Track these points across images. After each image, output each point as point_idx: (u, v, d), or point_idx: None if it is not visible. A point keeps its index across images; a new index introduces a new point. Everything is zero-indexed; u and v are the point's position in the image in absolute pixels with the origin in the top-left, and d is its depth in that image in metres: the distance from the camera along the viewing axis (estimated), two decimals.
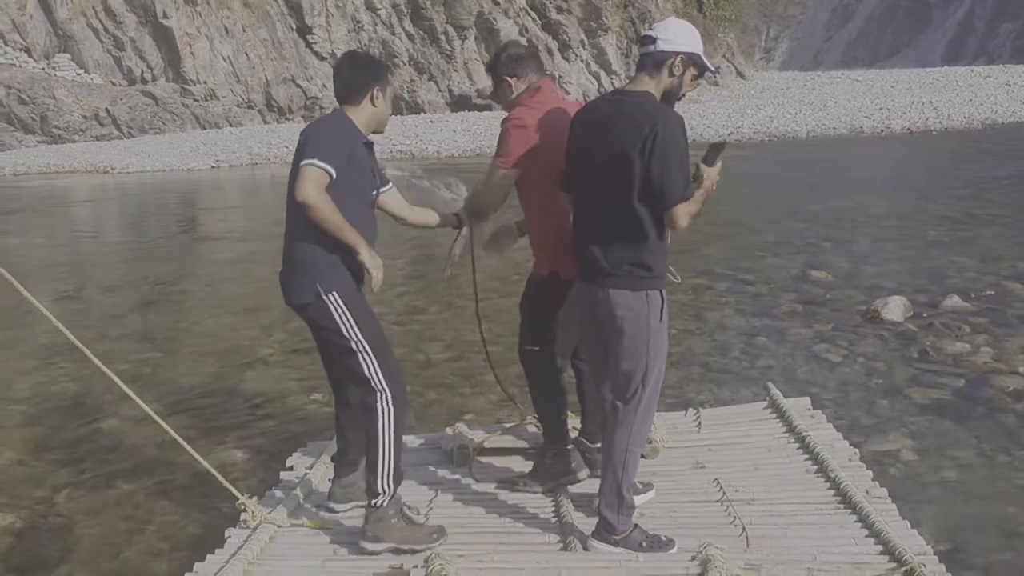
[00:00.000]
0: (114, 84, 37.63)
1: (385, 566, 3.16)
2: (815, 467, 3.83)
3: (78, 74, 37.12)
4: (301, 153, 3.24)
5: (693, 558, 2.96)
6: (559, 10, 43.37)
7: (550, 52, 42.65)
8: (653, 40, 3.13)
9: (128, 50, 37.77)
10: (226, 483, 3.58)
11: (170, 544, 4.10)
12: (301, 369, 6.70)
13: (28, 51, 37.11)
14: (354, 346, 3.37)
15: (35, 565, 3.96)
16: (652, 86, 3.16)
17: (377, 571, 3.13)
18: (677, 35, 3.15)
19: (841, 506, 3.49)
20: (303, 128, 3.42)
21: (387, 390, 3.40)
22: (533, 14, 43.18)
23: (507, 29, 41.79)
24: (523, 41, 3.78)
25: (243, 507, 3.53)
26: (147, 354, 7.37)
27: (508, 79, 3.70)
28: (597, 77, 44.19)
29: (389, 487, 3.37)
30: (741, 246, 11.08)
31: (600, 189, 3.16)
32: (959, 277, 8.72)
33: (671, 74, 3.16)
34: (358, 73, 3.48)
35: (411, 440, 4.60)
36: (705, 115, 35.52)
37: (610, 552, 3.20)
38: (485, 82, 39.61)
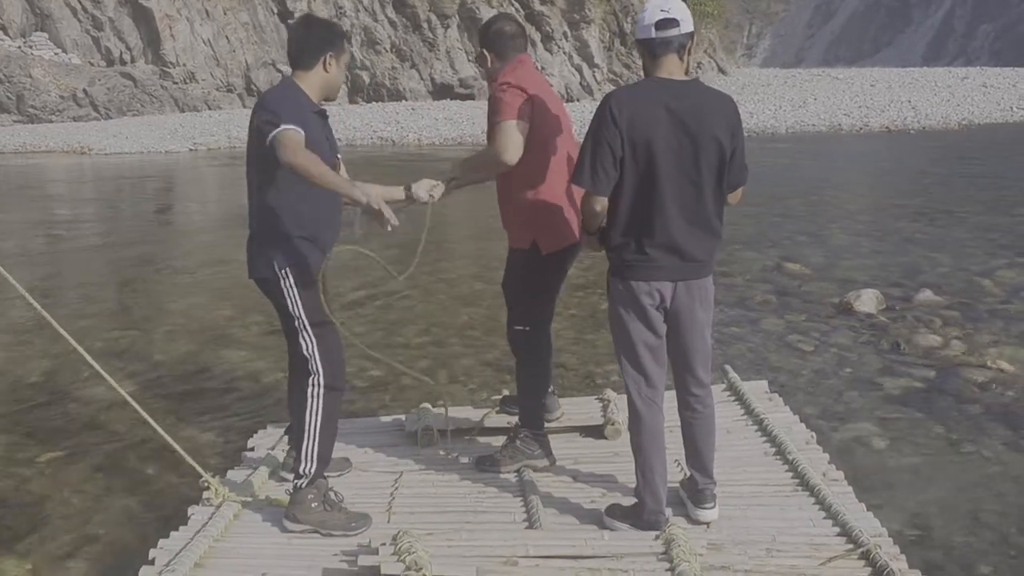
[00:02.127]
0: (92, 65, 37.25)
1: (353, 544, 3.17)
2: (773, 449, 3.90)
3: (55, 53, 36.71)
4: (267, 121, 3.17)
5: (657, 537, 3.00)
6: (542, 1, 43.32)
7: (533, 43, 42.52)
8: (676, 23, 3.08)
9: (107, 30, 37.41)
10: (191, 460, 3.57)
11: (137, 520, 4.09)
12: (274, 350, 6.64)
13: (4, 29, 36.66)
14: (297, 324, 3.39)
15: (6, 541, 3.93)
16: (683, 70, 3.15)
17: (344, 548, 3.13)
18: (688, 16, 3.13)
19: (799, 488, 3.54)
20: (264, 94, 3.38)
21: (320, 372, 3.39)
22: (516, 4, 43.08)
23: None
24: (516, 16, 3.76)
25: (207, 485, 3.54)
26: (121, 333, 7.32)
27: (487, 53, 3.72)
28: (579, 70, 44.20)
29: (310, 471, 3.37)
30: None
31: (700, 179, 3.13)
32: (932, 272, 8.82)
33: (688, 55, 3.17)
34: (312, 37, 3.42)
35: (377, 422, 4.62)
36: None
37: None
38: (467, 71, 39.62)
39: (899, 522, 3.96)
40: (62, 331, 3.31)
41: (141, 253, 11.51)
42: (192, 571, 2.99)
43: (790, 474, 3.66)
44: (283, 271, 3.34)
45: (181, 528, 3.36)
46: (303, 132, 3.16)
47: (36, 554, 3.81)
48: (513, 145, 3.49)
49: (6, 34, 36.60)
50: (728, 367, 4.96)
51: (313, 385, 3.39)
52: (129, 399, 3.55)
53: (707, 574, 2.87)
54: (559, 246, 3.70)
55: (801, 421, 4.71)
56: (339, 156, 3.62)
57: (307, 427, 3.38)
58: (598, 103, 3.17)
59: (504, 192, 3.79)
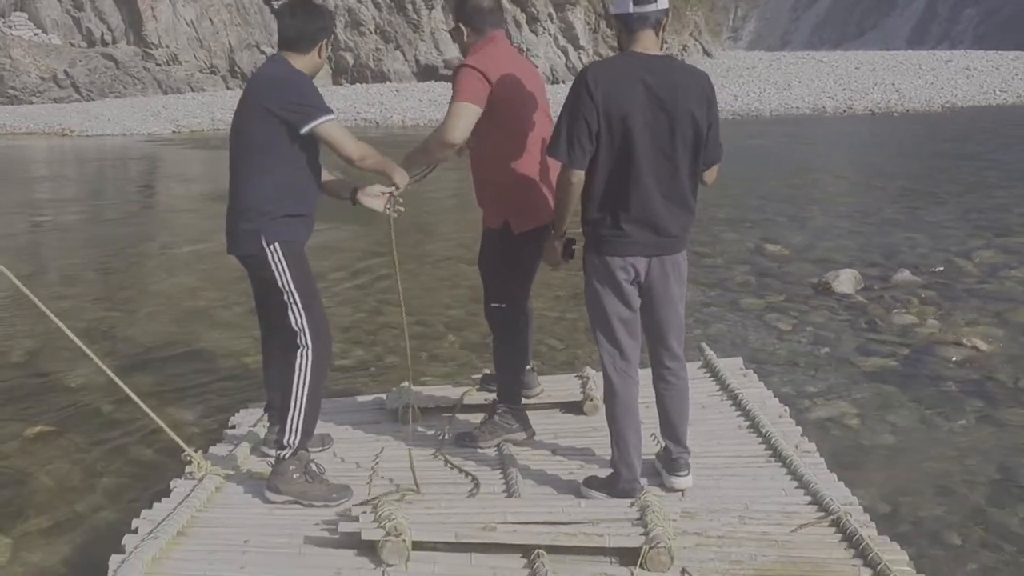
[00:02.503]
0: (73, 45, 36.90)
1: (333, 514, 3.23)
2: (747, 423, 3.99)
3: (35, 34, 36.35)
4: (299, 108, 3.29)
5: (632, 504, 3.07)
6: None
7: (518, 24, 42.43)
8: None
9: (88, 11, 37.05)
10: (173, 435, 3.63)
11: (122, 494, 4.13)
12: (257, 329, 6.70)
13: None
14: (287, 298, 3.44)
15: None
16: (658, 45, 3.18)
17: (324, 518, 3.19)
18: None
19: (772, 459, 3.63)
20: (261, 75, 3.45)
21: (310, 345, 3.45)
22: None
23: None
24: None
25: (189, 459, 3.59)
26: (105, 313, 7.34)
27: (462, 27, 3.74)
28: (565, 52, 44.09)
29: (295, 442, 3.42)
30: (699, 221, 11.10)
31: (675, 154, 3.17)
32: (911, 252, 8.93)
33: (663, 31, 3.20)
34: (314, 22, 3.48)
35: (359, 401, 4.68)
36: None
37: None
38: (452, 52, 39.40)
39: (871, 494, 4.05)
40: (45, 309, 3.34)
41: (124, 234, 11.49)
42: (174, 539, 3.04)
43: (763, 446, 3.75)
44: (272, 246, 3.40)
45: (164, 500, 3.40)
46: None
47: (21, 528, 3.85)
48: (460, 126, 3.53)
49: None
50: (704, 345, 5.05)
51: (302, 357, 3.45)
52: (113, 376, 3.59)
53: (680, 539, 2.94)
54: (531, 225, 3.72)
55: (776, 397, 4.82)
56: None
57: (294, 399, 3.43)
58: None
59: (477, 172, 3.83)
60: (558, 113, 3.22)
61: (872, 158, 18.13)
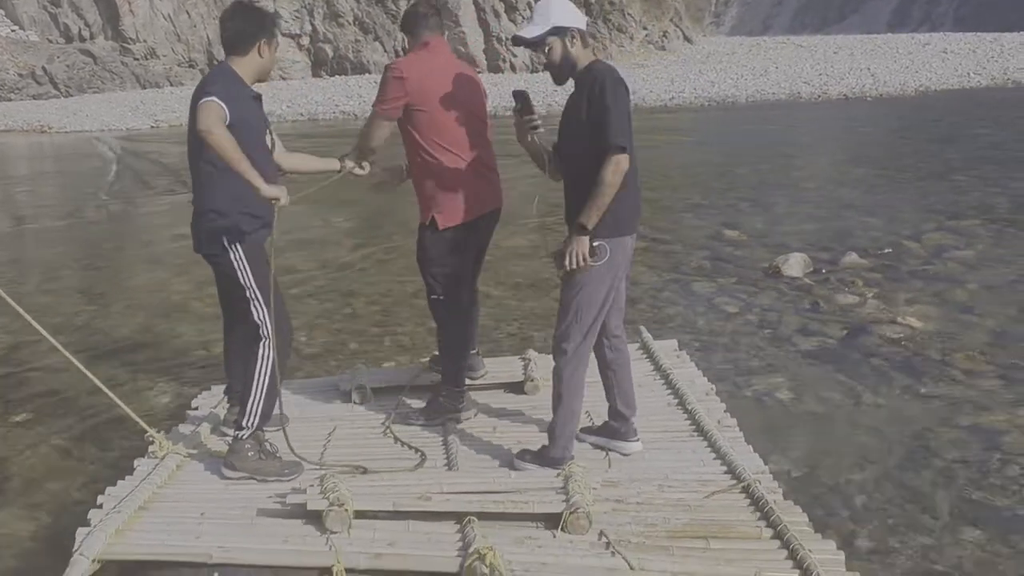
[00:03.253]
0: (51, 42, 36.88)
1: (286, 488, 3.51)
2: (676, 400, 4.28)
3: (12, 31, 36.32)
4: (198, 98, 3.45)
5: (558, 475, 3.36)
6: None
7: (496, 14, 42.62)
8: None
9: (65, 6, 37.02)
10: (136, 417, 3.88)
11: (92, 477, 4.39)
12: None
13: None
14: (248, 294, 3.71)
15: None
16: None
17: (277, 492, 3.47)
18: None
19: (695, 434, 3.94)
20: (201, 80, 3.67)
21: (270, 337, 3.72)
22: None
23: None
24: None
25: (151, 439, 3.86)
26: (81, 307, 7.58)
27: (403, 34, 4.05)
28: None
29: (252, 424, 3.70)
30: (664, 207, 11.51)
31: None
32: (864, 236, 9.24)
33: None
34: (248, 24, 3.67)
35: (314, 382, 4.97)
36: (648, 79, 35.96)
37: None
38: None
39: (793, 461, 4.38)
40: (11, 302, 3.58)
41: (102, 231, 11.73)
42: (136, 514, 3.32)
43: (688, 422, 4.06)
44: (233, 246, 3.66)
45: (127, 478, 3.68)
46: (226, 108, 3.42)
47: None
48: (373, 134, 3.96)
49: None
50: (642, 327, 5.34)
51: (263, 348, 3.71)
52: (79, 364, 3.85)
53: (599, 505, 3.23)
54: (455, 222, 3.98)
55: (714, 376, 5.14)
56: (273, 134, 3.92)
57: (255, 385, 3.71)
58: None
59: (412, 171, 4.10)
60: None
61: (840, 143, 18.48)
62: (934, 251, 8.52)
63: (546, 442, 3.73)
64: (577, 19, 3.50)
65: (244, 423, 3.71)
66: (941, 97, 29.41)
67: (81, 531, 3.19)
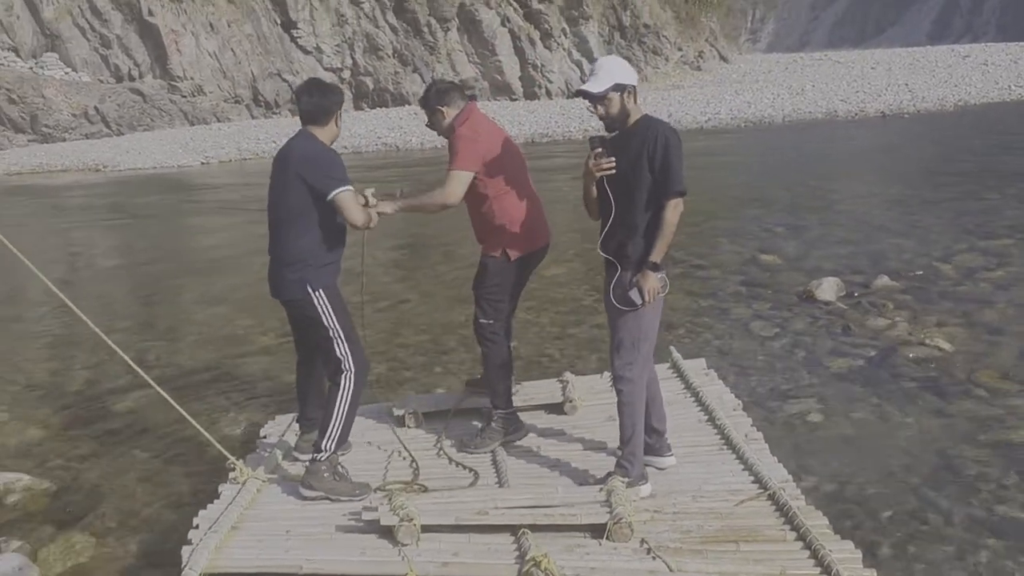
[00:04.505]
0: (102, 82, 38.16)
1: (357, 507, 3.93)
2: (705, 417, 4.67)
3: (66, 73, 37.64)
4: (326, 177, 4.03)
5: (601, 489, 3.75)
6: None
7: (532, 42, 43.27)
8: None
9: (115, 48, 38.30)
10: (220, 448, 4.36)
11: (178, 500, 4.85)
12: (288, 353, 7.42)
13: (16, 51, 37.60)
14: (332, 334, 4.19)
15: (68, 520, 4.71)
16: None
17: (350, 510, 3.91)
18: None
19: (724, 447, 4.33)
20: (295, 150, 4.15)
21: (353, 369, 4.20)
22: (515, 4, 43.76)
23: (489, 20, 42.41)
24: (469, 76, 4.68)
25: (233, 466, 4.32)
26: (151, 343, 8.09)
27: (440, 108, 4.54)
28: (579, 65, 44.82)
29: (330, 448, 4.15)
30: (701, 232, 11.83)
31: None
32: (896, 258, 9.48)
33: None
34: (325, 99, 4.25)
35: (369, 408, 5.40)
36: (684, 101, 36.24)
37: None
38: (468, 72, 40.29)
39: (822, 478, 4.70)
40: (107, 339, 4.05)
41: (163, 268, 12.33)
42: (230, 533, 3.79)
43: (718, 436, 4.47)
44: (316, 292, 4.17)
45: (215, 502, 4.14)
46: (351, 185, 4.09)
47: (95, 529, 4.58)
48: (458, 192, 4.38)
49: (18, 56, 37.57)
50: (672, 348, 5.72)
51: (346, 380, 4.19)
52: (170, 400, 4.32)
53: (639, 515, 3.63)
54: (525, 251, 4.58)
55: (749, 398, 5.51)
56: None
57: (336, 412, 4.17)
58: None
59: (476, 213, 4.64)
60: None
61: (875, 163, 18.62)
62: (965, 272, 8.74)
63: (626, 463, 4.06)
64: (633, 77, 3.97)
65: (323, 446, 4.15)
66: (981, 111, 29.33)
67: (186, 549, 3.65)
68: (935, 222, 11.35)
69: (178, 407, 4.32)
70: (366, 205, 4.46)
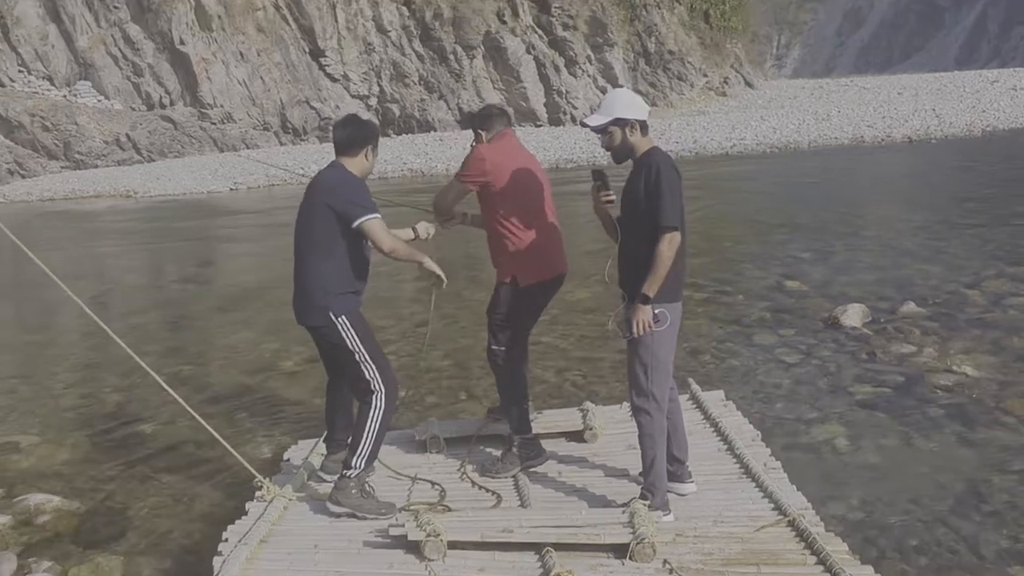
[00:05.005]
0: (133, 109, 38.76)
1: (384, 524, 4.00)
2: (724, 446, 4.69)
3: (99, 100, 38.28)
4: (353, 205, 4.13)
5: (624, 512, 3.80)
6: (565, 27, 44.26)
7: (557, 69, 43.50)
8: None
9: (146, 76, 38.92)
10: (248, 466, 4.46)
11: (205, 517, 4.92)
12: (312, 377, 7.52)
13: (50, 79, 38.32)
14: (358, 357, 4.27)
15: (97, 541, 4.79)
16: None
17: (376, 527, 3.99)
18: None
19: (744, 476, 4.34)
20: (323, 179, 4.26)
21: (383, 390, 4.27)
22: (539, 31, 44.07)
23: (514, 47, 42.72)
24: (500, 102, 4.90)
25: (260, 485, 4.40)
26: (179, 367, 8.19)
27: (480, 132, 4.69)
28: (604, 91, 44.91)
29: (360, 465, 4.22)
30: (727, 259, 11.83)
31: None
32: (923, 284, 9.42)
33: None
34: (359, 132, 4.38)
35: (391, 433, 5.44)
36: (709, 127, 36.26)
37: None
38: (493, 99, 40.53)
39: (849, 507, 4.68)
40: (140, 362, 4.13)
41: (193, 292, 12.50)
42: (259, 546, 3.88)
43: (737, 465, 4.47)
44: (340, 319, 4.24)
45: (243, 518, 4.22)
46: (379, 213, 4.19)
47: (124, 550, 4.66)
48: (448, 196, 4.65)
49: (52, 84, 38.30)
50: (691, 380, 5.72)
51: (377, 400, 4.27)
52: (197, 416, 4.40)
53: (662, 536, 3.66)
54: (535, 280, 4.61)
55: (775, 425, 5.52)
56: None
57: (366, 432, 4.24)
58: None
59: (490, 238, 4.70)
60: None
61: (902, 189, 18.55)
62: (993, 298, 8.68)
63: (648, 491, 4.07)
64: (638, 112, 4.02)
65: (353, 463, 4.22)
66: (1008, 137, 29.11)
67: (217, 560, 3.76)
68: (962, 248, 11.28)
69: (207, 425, 4.41)
70: (415, 238, 4.67)
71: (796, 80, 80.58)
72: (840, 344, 7.53)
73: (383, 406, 4.26)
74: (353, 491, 4.18)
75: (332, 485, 4.35)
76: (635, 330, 3.90)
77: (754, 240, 13.39)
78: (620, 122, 3.97)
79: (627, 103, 4.01)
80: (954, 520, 4.52)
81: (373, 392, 4.26)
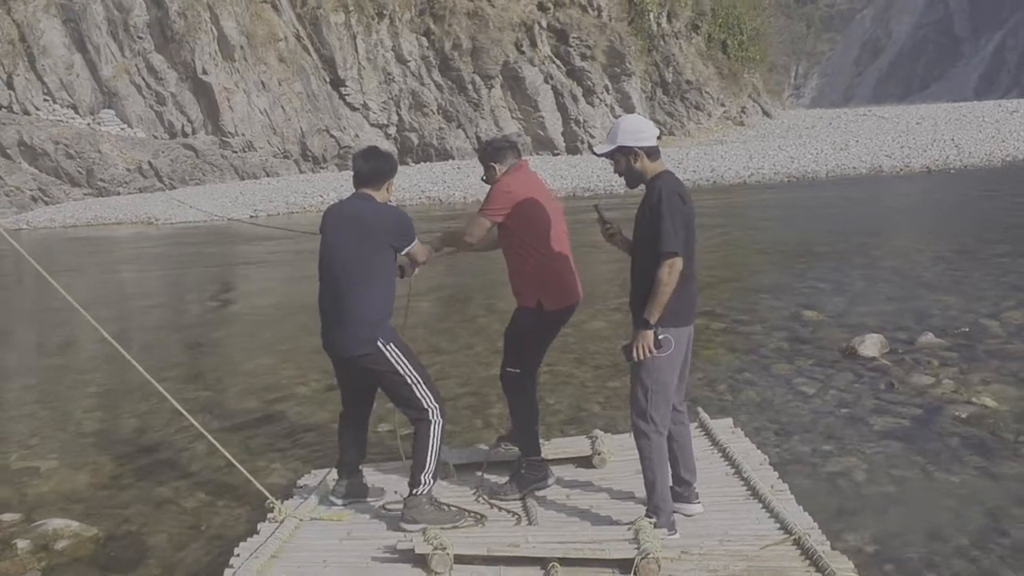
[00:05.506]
0: (156, 138, 39.31)
1: (393, 541, 4.05)
2: (732, 470, 4.74)
3: (122, 128, 38.87)
4: (402, 236, 4.38)
5: (630, 528, 3.84)
6: (583, 57, 44.63)
7: (575, 98, 43.83)
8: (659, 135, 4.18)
9: (169, 105, 39.50)
10: (259, 486, 4.54)
11: (222, 543, 4.93)
12: (329, 403, 7.55)
13: (75, 108, 38.97)
14: (409, 380, 4.38)
15: (114, 566, 4.82)
16: None
17: (384, 543, 4.04)
18: None
19: (751, 497, 4.39)
20: (368, 210, 4.38)
21: (436, 407, 4.42)
22: (557, 61, 44.47)
23: (532, 77, 43.09)
24: (515, 131, 5.01)
25: (272, 506, 4.48)
26: (197, 393, 8.24)
27: (493, 164, 4.76)
28: None
29: (429, 480, 4.33)
30: (744, 288, 11.82)
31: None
32: (941, 315, 9.37)
33: None
34: (387, 164, 4.52)
35: (400, 464, 5.47)
36: (727, 156, 36.34)
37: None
38: (511, 128, 40.85)
39: (867, 540, 4.63)
40: (152, 380, 4.19)
41: (212, 318, 12.59)
42: (269, 560, 3.96)
43: (744, 487, 4.52)
44: (388, 345, 4.36)
45: (255, 536, 4.31)
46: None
47: (142, 573, 4.70)
48: (476, 234, 4.67)
49: (77, 112, 38.93)
50: (700, 408, 5.75)
51: (435, 420, 4.41)
52: (211, 438, 4.45)
53: (666, 552, 3.70)
54: (560, 305, 4.71)
55: (791, 456, 5.52)
56: None
57: (430, 449, 4.37)
58: None
59: (514, 264, 4.78)
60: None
61: (920, 219, 18.50)
62: (1014, 329, 8.62)
63: (652, 513, 4.11)
64: (642, 139, 4.07)
65: (421, 479, 4.34)
66: None
67: (228, 572, 3.85)
68: (981, 278, 11.23)
69: (219, 446, 4.46)
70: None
71: (814, 110, 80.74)
72: (858, 375, 7.49)
73: (440, 421, 4.40)
74: (426, 506, 4.30)
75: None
76: (635, 354, 3.94)
77: (772, 270, 13.38)
78: (624, 150, 4.07)
79: (630, 131, 4.09)
80: (974, 553, 4.47)
81: (428, 409, 4.38)
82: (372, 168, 4.45)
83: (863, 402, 6.82)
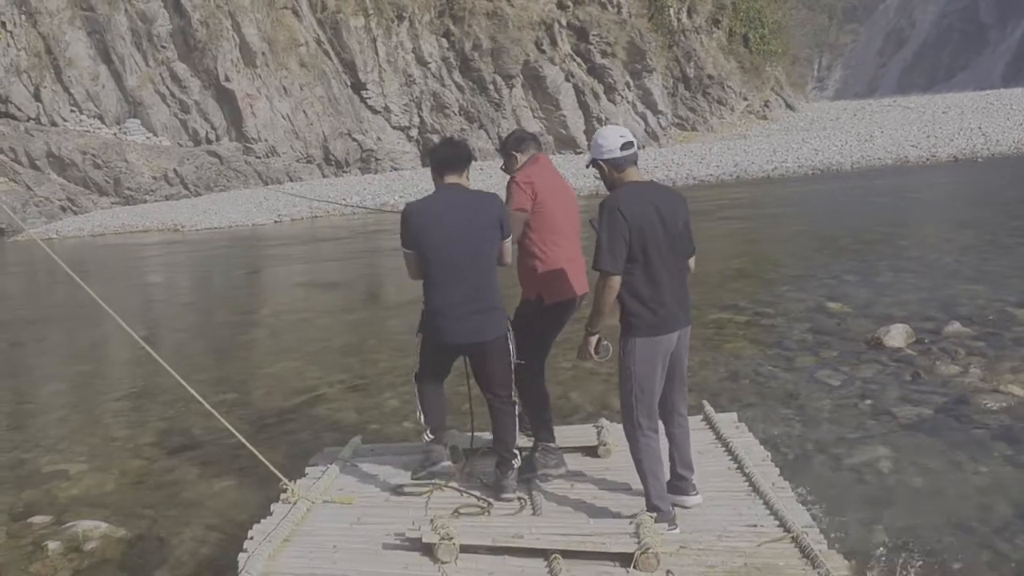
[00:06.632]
0: (181, 146, 39.68)
1: (403, 526, 4.09)
2: (735, 465, 4.72)
3: (147, 137, 39.28)
4: (505, 220, 4.45)
5: (631, 523, 3.87)
6: (604, 54, 44.52)
7: (596, 96, 43.73)
8: (633, 143, 4.13)
9: (193, 113, 39.85)
10: (274, 469, 4.67)
11: (230, 519, 5.15)
12: (356, 403, 7.61)
13: (101, 118, 39.41)
14: (514, 359, 4.52)
15: (143, 566, 4.89)
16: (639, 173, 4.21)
17: (395, 529, 4.10)
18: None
19: (751, 493, 4.38)
20: (484, 199, 4.48)
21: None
22: (578, 59, 44.39)
23: (553, 75, 43.06)
24: (535, 128, 5.02)
25: (285, 488, 4.57)
26: (224, 395, 8.31)
27: (514, 153, 4.86)
28: (644, 117, 45.11)
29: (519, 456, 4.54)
30: (767, 281, 11.75)
31: (677, 254, 4.10)
32: (969, 304, 9.27)
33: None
34: (464, 151, 4.64)
35: (409, 445, 5.55)
36: (750, 151, 36.13)
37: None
38: (533, 127, 40.83)
39: (892, 532, 4.60)
40: (194, 392, 4.24)
41: (239, 321, 12.69)
42: (282, 544, 4.06)
43: (745, 483, 4.50)
44: (509, 329, 4.50)
45: (268, 518, 4.39)
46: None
47: (171, 574, 4.77)
48: (518, 229, 4.66)
49: (103, 122, 39.37)
50: (705, 402, 5.70)
51: (517, 403, 4.57)
52: (241, 437, 4.50)
53: (666, 546, 3.73)
54: (558, 299, 4.75)
55: (816, 448, 5.49)
56: None
57: (518, 429, 4.55)
58: (663, 148, 4.13)
59: (521, 256, 4.82)
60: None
61: (947, 208, 18.31)
62: None
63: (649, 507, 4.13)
64: (602, 152, 4.12)
65: (514, 462, 4.52)
66: None
67: (242, 556, 3.94)
68: (1008, 267, 11.09)
69: (238, 435, 4.51)
70: None
71: (838, 102, 79.90)
72: (883, 365, 7.43)
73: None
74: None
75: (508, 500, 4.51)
76: (578, 354, 4.19)
77: (796, 262, 13.28)
78: (594, 162, 4.18)
79: (595, 144, 4.18)
80: (1001, 543, 4.43)
81: (512, 391, 4.54)
82: (462, 153, 4.56)
83: (888, 393, 6.76)
